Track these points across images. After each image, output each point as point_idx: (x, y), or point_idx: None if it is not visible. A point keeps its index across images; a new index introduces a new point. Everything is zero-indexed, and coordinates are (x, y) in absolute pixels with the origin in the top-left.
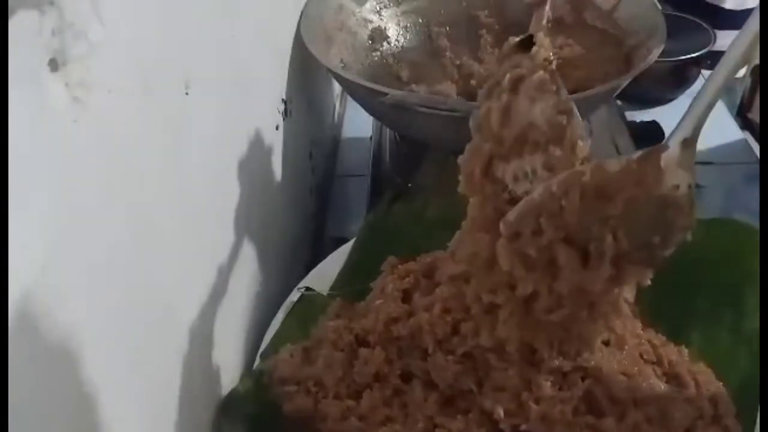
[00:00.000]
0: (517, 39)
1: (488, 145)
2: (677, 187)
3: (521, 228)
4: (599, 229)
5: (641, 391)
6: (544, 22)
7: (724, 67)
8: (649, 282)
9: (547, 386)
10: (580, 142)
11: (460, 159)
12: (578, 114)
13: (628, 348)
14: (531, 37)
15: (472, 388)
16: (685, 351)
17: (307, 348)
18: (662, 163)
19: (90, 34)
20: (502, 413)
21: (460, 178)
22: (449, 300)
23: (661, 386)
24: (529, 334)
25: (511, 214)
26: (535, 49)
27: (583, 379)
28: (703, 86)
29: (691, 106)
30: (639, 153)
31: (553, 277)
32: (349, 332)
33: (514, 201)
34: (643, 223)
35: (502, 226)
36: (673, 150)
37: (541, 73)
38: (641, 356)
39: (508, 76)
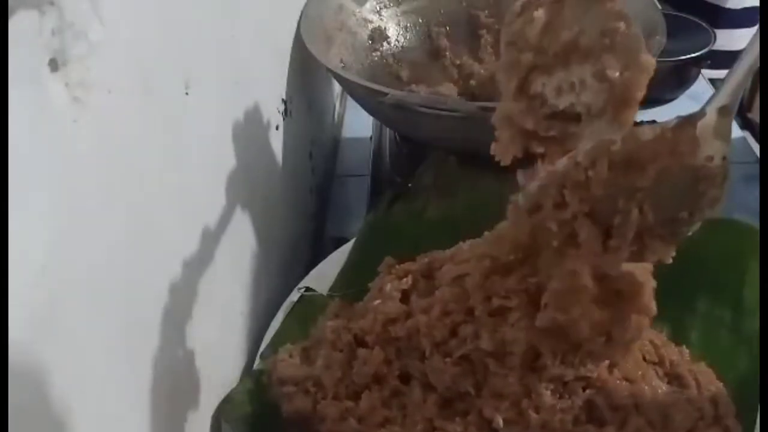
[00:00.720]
0: None
1: (527, 56)
2: (711, 158)
3: (542, 199)
4: (626, 202)
5: (643, 396)
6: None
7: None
8: (670, 260)
9: (547, 394)
10: (642, 54)
11: (499, 75)
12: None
13: (631, 349)
14: None
15: (469, 391)
16: (686, 351)
17: (306, 348)
18: (697, 132)
19: (90, 34)
20: (501, 422)
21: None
22: (449, 302)
23: (663, 388)
24: (536, 339)
25: (533, 185)
26: None
27: (584, 389)
28: (744, 51)
29: (730, 72)
30: (674, 120)
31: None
32: (347, 332)
33: (554, 116)
34: (672, 195)
35: (521, 198)
36: (709, 118)
37: None
38: (643, 357)
39: None
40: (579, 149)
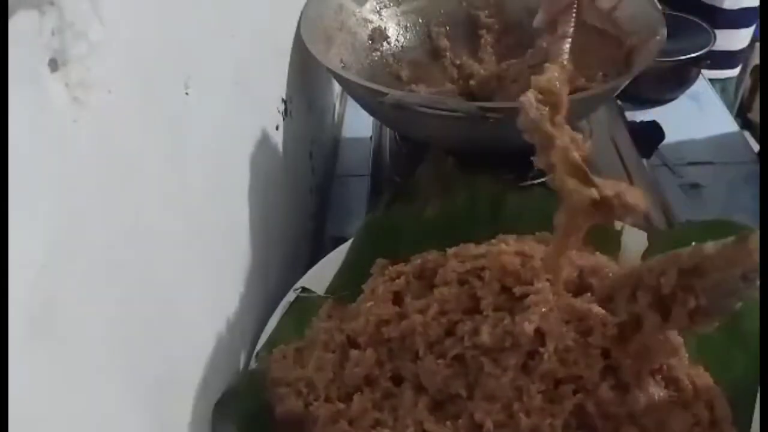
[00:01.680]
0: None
1: None
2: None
3: (616, 295)
4: (684, 295)
5: (637, 403)
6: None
7: None
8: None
9: (538, 398)
10: None
11: None
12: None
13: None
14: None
15: (461, 393)
16: (685, 354)
17: (300, 349)
18: (751, 245)
19: (90, 34)
20: (491, 426)
21: None
22: (447, 301)
23: (659, 393)
24: (547, 327)
25: (608, 281)
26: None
27: (575, 392)
28: None
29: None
30: (732, 238)
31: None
32: (340, 333)
33: None
34: (725, 290)
35: (596, 287)
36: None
37: None
38: None
39: None
40: (653, 259)
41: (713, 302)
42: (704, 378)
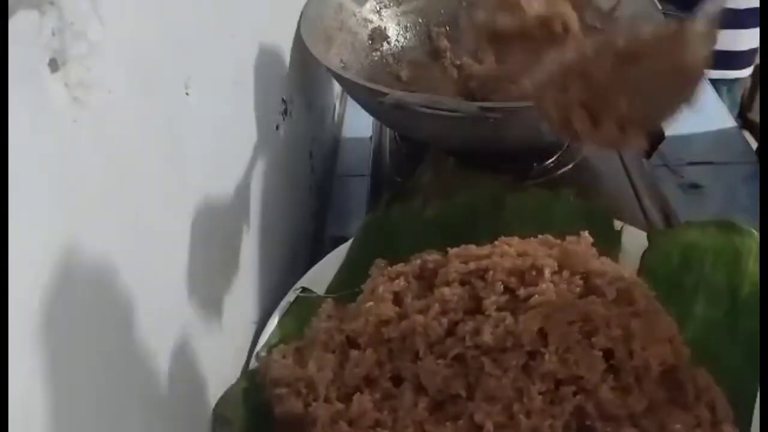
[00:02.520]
0: None
1: None
2: (696, 59)
3: (548, 83)
4: (616, 94)
5: (638, 404)
6: None
7: None
8: (643, 151)
9: (538, 399)
10: None
11: None
12: None
13: None
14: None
15: (461, 393)
16: (687, 354)
17: (300, 349)
18: (688, 35)
19: (90, 34)
20: (491, 428)
21: None
22: (449, 301)
23: (660, 394)
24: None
25: (537, 70)
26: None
27: (575, 394)
28: None
29: None
30: (670, 25)
31: None
32: (340, 333)
33: None
34: (657, 89)
35: (527, 82)
36: (699, 24)
37: None
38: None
39: None
40: (586, 44)
41: (646, 109)
42: (706, 378)
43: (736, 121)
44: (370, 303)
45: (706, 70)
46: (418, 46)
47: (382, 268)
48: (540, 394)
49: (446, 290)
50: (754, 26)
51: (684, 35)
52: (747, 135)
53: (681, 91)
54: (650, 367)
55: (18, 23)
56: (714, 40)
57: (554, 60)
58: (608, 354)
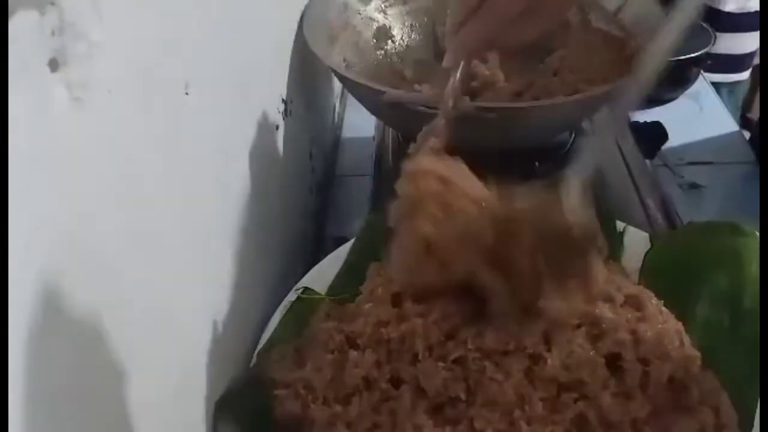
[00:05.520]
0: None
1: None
2: (578, 222)
3: (448, 245)
4: (517, 252)
5: (640, 410)
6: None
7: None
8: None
9: (539, 406)
10: None
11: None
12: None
13: None
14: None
15: (460, 396)
16: (698, 356)
17: (299, 349)
18: (562, 203)
19: (90, 34)
20: None
21: None
22: (450, 306)
23: (664, 398)
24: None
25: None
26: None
27: (575, 401)
28: (603, 125)
29: (585, 149)
30: (540, 193)
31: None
32: (339, 333)
33: None
34: (554, 249)
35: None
36: (572, 188)
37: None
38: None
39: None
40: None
41: (553, 262)
42: (711, 382)
43: (736, 121)
44: (369, 304)
45: (593, 229)
46: (423, 46)
47: (379, 270)
48: (541, 400)
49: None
50: (752, 30)
51: (554, 204)
52: (747, 135)
53: (580, 248)
54: (660, 371)
55: (18, 23)
56: (589, 201)
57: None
58: (612, 359)
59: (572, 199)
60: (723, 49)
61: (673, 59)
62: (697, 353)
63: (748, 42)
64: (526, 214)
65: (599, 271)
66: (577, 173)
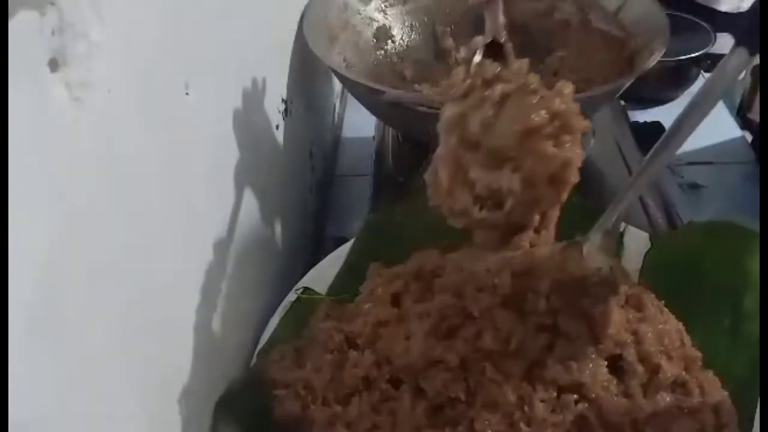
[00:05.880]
0: (485, 43)
1: (460, 148)
2: (599, 269)
3: (463, 291)
4: (533, 295)
5: (640, 411)
6: (500, 20)
7: (643, 176)
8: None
9: (540, 407)
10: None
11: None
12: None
13: None
14: (497, 43)
15: (460, 397)
16: (699, 356)
17: (299, 349)
18: (584, 251)
19: (90, 34)
20: None
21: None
22: (449, 306)
23: (665, 398)
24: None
25: (451, 278)
26: (516, 65)
27: (576, 402)
28: (629, 182)
29: (614, 201)
30: (563, 243)
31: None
32: (339, 333)
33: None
34: (570, 293)
35: (438, 285)
36: (594, 239)
37: (537, 99)
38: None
39: (499, 88)
40: (488, 259)
41: (569, 304)
42: (713, 382)
43: (735, 120)
44: (369, 304)
45: (615, 276)
46: (423, 46)
47: (378, 270)
48: (542, 401)
49: (446, 297)
50: None
51: (575, 254)
52: (747, 135)
53: (597, 293)
54: (662, 371)
55: (18, 23)
56: (613, 248)
57: (466, 274)
58: (613, 359)
59: (594, 245)
60: (717, 49)
61: (673, 59)
62: (698, 353)
63: None
64: (546, 260)
65: (616, 316)
66: (601, 227)
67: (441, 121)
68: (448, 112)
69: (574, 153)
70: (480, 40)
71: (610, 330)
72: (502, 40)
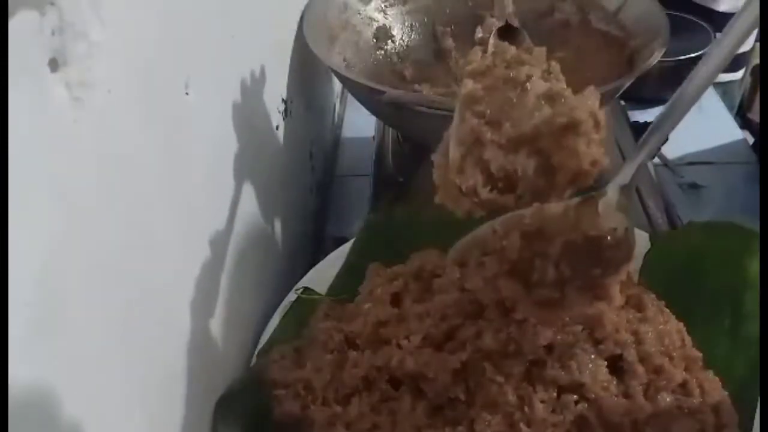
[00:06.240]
0: (499, 26)
1: (483, 127)
2: (614, 229)
3: (466, 259)
4: (541, 262)
5: (640, 411)
6: (509, 6)
7: (665, 121)
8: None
9: (540, 408)
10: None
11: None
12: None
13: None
14: (511, 27)
15: (460, 397)
16: (700, 356)
17: (299, 349)
18: (600, 208)
19: (90, 34)
20: None
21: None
22: (449, 306)
23: (665, 399)
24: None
25: (459, 243)
26: (537, 50)
27: (576, 402)
28: (646, 135)
29: (632, 156)
30: (578, 198)
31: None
32: (339, 333)
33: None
34: (582, 258)
35: (450, 253)
36: (611, 196)
37: (557, 84)
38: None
39: (524, 69)
40: (497, 218)
41: (577, 273)
42: (714, 383)
43: (735, 120)
44: (369, 304)
45: (630, 237)
46: (423, 46)
47: (377, 271)
48: (542, 402)
49: (446, 297)
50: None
51: (591, 209)
52: (747, 135)
53: (609, 259)
54: (663, 371)
55: (18, 23)
56: (629, 207)
57: (471, 237)
58: (613, 360)
59: (610, 202)
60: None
61: (673, 59)
62: (698, 354)
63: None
64: (559, 217)
65: (617, 299)
66: (618, 182)
67: (460, 96)
68: (468, 87)
69: (600, 154)
70: (494, 21)
71: (616, 300)
72: (516, 24)
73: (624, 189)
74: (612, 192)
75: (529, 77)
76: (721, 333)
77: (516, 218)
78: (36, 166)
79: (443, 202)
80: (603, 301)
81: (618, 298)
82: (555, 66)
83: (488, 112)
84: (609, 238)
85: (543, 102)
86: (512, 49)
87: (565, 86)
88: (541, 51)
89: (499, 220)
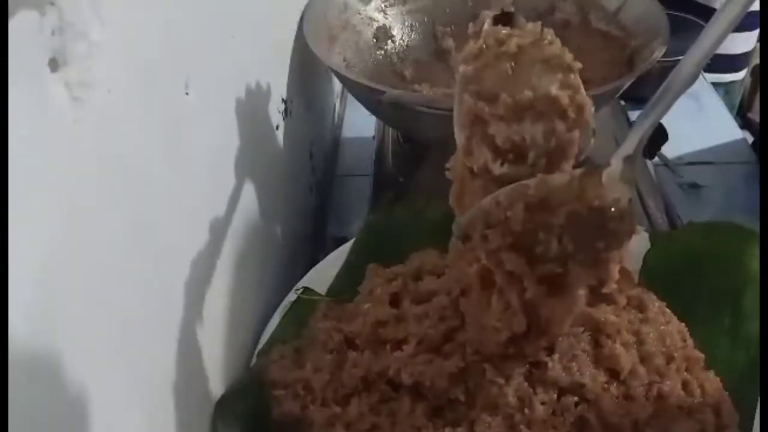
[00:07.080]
0: (493, 14)
1: (482, 104)
2: (618, 200)
3: (471, 232)
4: (545, 235)
5: (641, 412)
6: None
7: (674, 84)
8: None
9: (540, 409)
10: (590, 122)
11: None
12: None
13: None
14: (507, 14)
15: (460, 398)
16: (702, 357)
17: (298, 349)
18: (604, 178)
19: (90, 34)
20: None
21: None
22: (447, 308)
23: (666, 399)
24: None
25: (462, 218)
26: (531, 25)
27: (576, 404)
28: (650, 104)
29: (636, 124)
30: (582, 169)
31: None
32: (338, 333)
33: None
34: (585, 231)
35: (453, 227)
36: (615, 166)
37: (554, 47)
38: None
39: (514, 40)
40: (500, 190)
41: (580, 247)
42: (714, 383)
43: (735, 120)
44: (368, 304)
45: (632, 209)
46: (423, 46)
47: (376, 271)
48: (542, 403)
49: (444, 298)
50: (748, 29)
51: (596, 180)
52: (747, 135)
53: (612, 231)
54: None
55: (18, 23)
56: (632, 178)
57: (475, 209)
58: (614, 361)
59: (614, 173)
60: (718, 49)
61: (673, 59)
62: (700, 354)
63: (741, 42)
64: (564, 187)
65: (615, 273)
66: (622, 153)
67: (457, 79)
68: (463, 69)
69: (585, 98)
70: (488, 12)
71: (614, 279)
72: (512, 9)
73: (628, 160)
74: (616, 163)
75: (520, 47)
76: (721, 333)
77: (520, 189)
78: (36, 166)
79: (456, 203)
80: (604, 280)
81: (616, 276)
82: (548, 32)
83: (484, 88)
84: (612, 209)
85: (539, 66)
86: (503, 30)
87: (560, 45)
88: (535, 25)
89: (503, 192)
